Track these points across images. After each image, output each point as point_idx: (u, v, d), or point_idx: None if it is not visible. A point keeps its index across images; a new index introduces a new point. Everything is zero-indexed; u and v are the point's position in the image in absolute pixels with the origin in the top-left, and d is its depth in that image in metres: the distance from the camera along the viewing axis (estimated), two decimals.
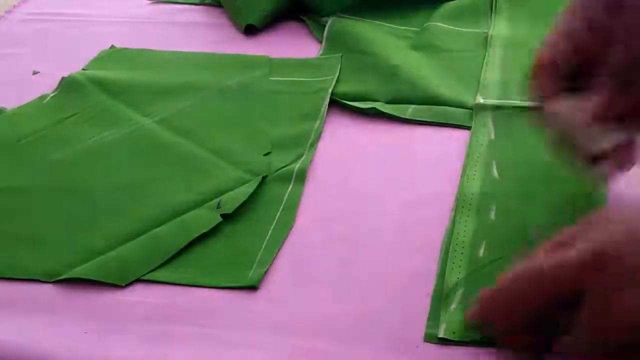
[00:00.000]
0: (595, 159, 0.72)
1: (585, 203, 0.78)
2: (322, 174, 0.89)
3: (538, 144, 0.88)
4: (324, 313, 0.70)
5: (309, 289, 0.73)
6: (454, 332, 0.66)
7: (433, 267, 0.74)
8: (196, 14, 1.33)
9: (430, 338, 0.67)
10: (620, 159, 0.71)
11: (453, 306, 0.69)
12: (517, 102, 0.95)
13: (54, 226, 0.83)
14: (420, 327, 0.68)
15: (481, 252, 0.74)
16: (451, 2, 1.22)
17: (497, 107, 0.95)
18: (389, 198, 0.84)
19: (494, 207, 0.80)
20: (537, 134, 0.90)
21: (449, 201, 0.82)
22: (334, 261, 0.76)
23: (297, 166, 0.89)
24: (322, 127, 0.96)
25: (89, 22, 1.32)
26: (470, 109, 0.95)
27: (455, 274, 0.72)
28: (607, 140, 0.71)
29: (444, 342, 0.66)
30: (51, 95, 1.07)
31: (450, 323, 0.67)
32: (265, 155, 0.91)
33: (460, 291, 0.70)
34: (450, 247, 0.75)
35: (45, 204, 0.86)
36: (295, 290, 0.73)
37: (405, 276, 0.74)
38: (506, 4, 1.20)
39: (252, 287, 0.74)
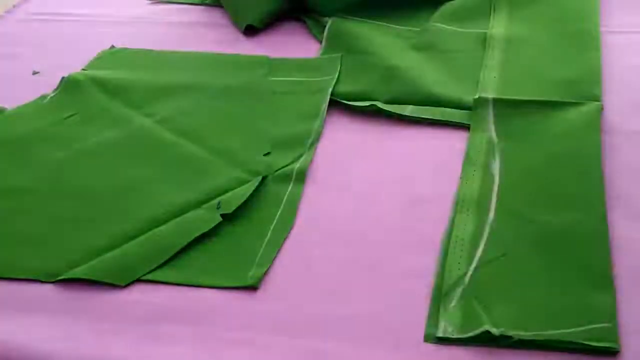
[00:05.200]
0: None
1: (585, 200, 0.79)
2: (322, 174, 0.89)
3: (538, 142, 0.89)
4: (323, 313, 0.71)
5: (309, 289, 0.73)
6: (452, 331, 0.66)
7: (433, 267, 0.74)
8: (196, 14, 1.33)
9: (430, 338, 0.67)
10: None
11: (452, 304, 0.69)
12: (517, 99, 0.95)
13: (54, 226, 0.83)
14: (420, 326, 0.68)
15: (480, 250, 0.75)
16: (451, 2, 1.22)
17: (496, 102, 0.95)
18: (389, 198, 0.84)
19: (493, 206, 0.80)
20: (537, 132, 0.90)
21: (449, 201, 0.82)
22: (334, 261, 0.76)
23: (297, 166, 0.89)
24: (322, 126, 0.97)
25: (89, 22, 1.32)
26: (469, 109, 0.95)
27: (455, 273, 0.72)
28: None
29: (443, 341, 0.66)
30: (51, 95, 1.07)
31: (449, 322, 0.67)
32: (265, 155, 0.91)
33: (459, 289, 0.70)
34: (450, 246, 0.75)
35: (46, 204, 0.86)
36: (295, 290, 0.74)
37: (405, 276, 0.74)
38: (506, 4, 1.20)
39: (252, 287, 0.74)
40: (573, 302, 0.68)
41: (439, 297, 0.70)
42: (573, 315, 0.66)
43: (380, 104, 0.98)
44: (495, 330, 0.65)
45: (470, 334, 0.65)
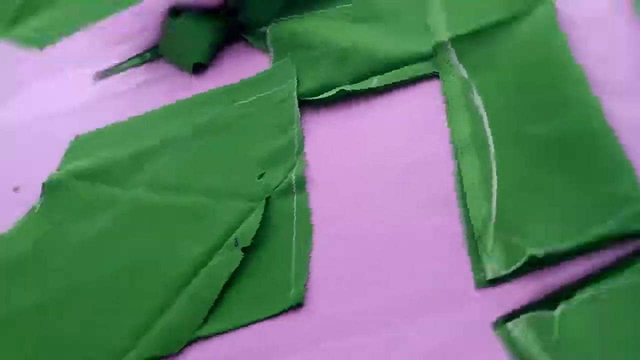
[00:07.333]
0: None
1: (576, 99, 0.79)
2: (317, 175, 0.89)
3: (507, 62, 0.89)
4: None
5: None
6: (499, 269, 0.66)
7: (455, 223, 0.74)
8: (142, 74, 1.32)
9: (481, 283, 0.67)
10: None
11: (489, 245, 0.69)
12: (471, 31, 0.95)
13: (84, 332, 0.82)
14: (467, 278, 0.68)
15: (495, 184, 0.75)
16: None
17: (453, 41, 0.95)
18: (388, 171, 0.84)
19: (490, 139, 0.80)
20: (503, 54, 0.90)
21: (447, 154, 0.82)
22: (362, 242, 0.77)
23: (293, 176, 0.89)
24: (302, 130, 0.96)
25: (45, 120, 1.31)
26: (430, 57, 0.95)
27: (479, 212, 0.72)
28: None
29: (495, 282, 0.66)
30: (39, 204, 1.07)
31: (493, 262, 0.67)
32: (259, 178, 0.91)
33: (490, 225, 0.70)
34: (466, 193, 0.75)
35: (65, 313, 0.85)
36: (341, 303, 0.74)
37: (433, 236, 0.74)
38: None
39: (299, 305, 0.74)
40: (598, 197, 0.68)
41: (475, 244, 0.70)
42: (603, 207, 0.66)
43: (346, 87, 0.98)
44: (539, 252, 0.65)
45: (518, 264, 0.65)
